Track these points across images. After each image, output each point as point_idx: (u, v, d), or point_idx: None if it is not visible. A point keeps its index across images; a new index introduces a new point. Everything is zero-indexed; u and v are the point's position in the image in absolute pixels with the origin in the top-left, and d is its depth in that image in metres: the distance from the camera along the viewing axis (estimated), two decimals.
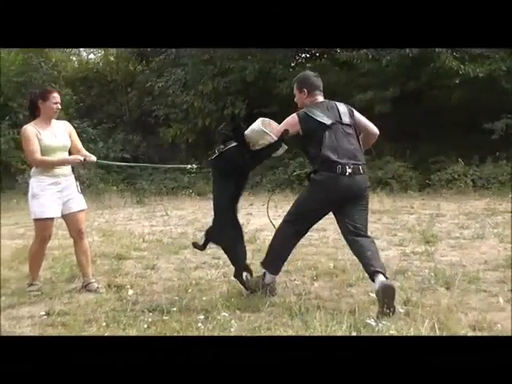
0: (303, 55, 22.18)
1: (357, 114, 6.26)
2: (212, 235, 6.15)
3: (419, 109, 18.19)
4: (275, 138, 5.92)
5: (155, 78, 22.94)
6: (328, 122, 5.93)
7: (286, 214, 6.14)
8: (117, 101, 25.37)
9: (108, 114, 24.89)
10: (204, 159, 18.51)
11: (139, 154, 22.65)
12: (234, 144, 5.98)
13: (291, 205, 6.18)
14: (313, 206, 5.97)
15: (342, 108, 6.17)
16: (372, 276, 5.50)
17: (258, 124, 5.97)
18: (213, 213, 6.25)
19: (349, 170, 5.83)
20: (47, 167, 6.18)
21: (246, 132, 5.99)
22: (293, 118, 6.03)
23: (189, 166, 7.43)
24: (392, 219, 11.38)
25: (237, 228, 6.05)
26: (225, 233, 6.01)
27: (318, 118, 5.90)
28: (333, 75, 19.02)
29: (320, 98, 6.18)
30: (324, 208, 6.03)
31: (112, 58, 26.32)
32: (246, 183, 6.30)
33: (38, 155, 6.06)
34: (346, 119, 6.08)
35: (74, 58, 28.00)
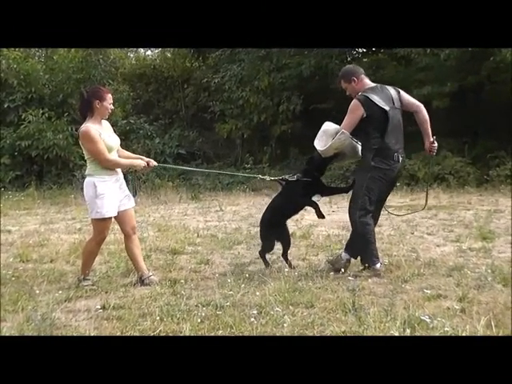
0: (360, 50, 21.97)
1: (403, 93, 6.75)
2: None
3: (478, 104, 17.89)
4: (346, 133, 6.43)
5: (211, 74, 23.06)
6: (386, 107, 6.41)
7: (356, 207, 6.58)
8: (173, 97, 25.52)
9: (164, 109, 25.09)
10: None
11: (195, 149, 22.79)
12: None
13: (353, 199, 6.67)
14: (381, 190, 6.61)
15: (393, 92, 6.67)
16: None
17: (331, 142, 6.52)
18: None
19: (400, 158, 6.55)
20: (113, 167, 6.29)
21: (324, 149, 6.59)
22: (355, 103, 6.50)
23: (261, 176, 7.97)
24: (448, 215, 11.25)
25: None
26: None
27: (378, 103, 6.39)
28: (390, 70, 18.88)
29: (369, 82, 6.75)
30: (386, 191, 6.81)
31: (169, 55, 26.45)
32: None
33: (108, 155, 6.15)
34: (397, 104, 6.60)
35: (132, 55, 28.25)
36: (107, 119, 6.48)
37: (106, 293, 6.01)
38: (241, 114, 21.79)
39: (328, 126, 6.76)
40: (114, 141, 6.39)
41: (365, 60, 21.38)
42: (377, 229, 9.08)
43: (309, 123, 19.55)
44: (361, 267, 6.65)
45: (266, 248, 7.06)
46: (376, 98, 6.40)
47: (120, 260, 7.41)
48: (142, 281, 6.40)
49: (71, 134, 19.78)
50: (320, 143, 6.63)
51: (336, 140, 6.41)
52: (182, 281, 6.38)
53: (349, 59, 22.18)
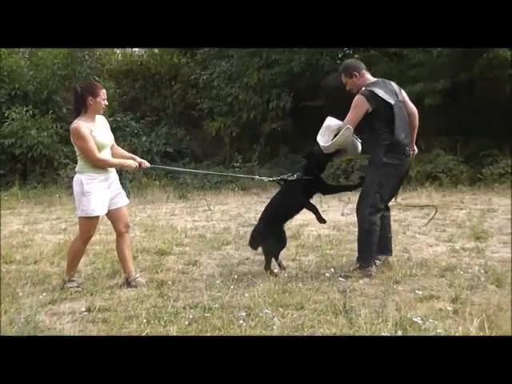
0: None
1: (403, 91, 6.82)
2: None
3: (471, 101, 17.89)
4: (351, 128, 6.39)
5: (200, 70, 22.94)
6: (392, 101, 6.42)
7: (367, 204, 6.56)
8: (161, 94, 25.41)
9: (152, 107, 24.97)
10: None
11: (183, 147, 22.69)
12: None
13: (363, 195, 6.65)
14: (394, 186, 6.69)
15: (395, 86, 6.74)
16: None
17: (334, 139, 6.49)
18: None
19: (411, 151, 6.65)
20: (103, 166, 6.27)
21: (326, 146, 6.53)
22: (360, 99, 6.49)
23: (258, 177, 7.85)
24: (441, 214, 11.18)
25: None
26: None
27: (383, 97, 6.37)
28: (382, 66, 18.81)
29: (371, 77, 6.74)
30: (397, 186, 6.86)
31: (156, 51, 26.28)
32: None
33: (98, 153, 6.12)
34: (400, 96, 6.64)
35: (118, 51, 28.08)
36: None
37: (92, 295, 6.00)
38: (230, 112, 21.70)
39: (330, 122, 6.70)
40: (107, 138, 6.37)
41: (356, 56, 21.31)
42: None
43: (299, 121, 19.56)
44: (352, 267, 6.65)
45: (270, 251, 6.89)
46: (381, 92, 6.39)
47: (106, 261, 7.40)
48: (128, 282, 6.39)
49: (56, 131, 19.72)
50: (323, 138, 6.58)
51: (340, 136, 6.37)
52: (170, 282, 6.37)
53: (340, 56, 22.15)
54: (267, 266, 6.77)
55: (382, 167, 6.47)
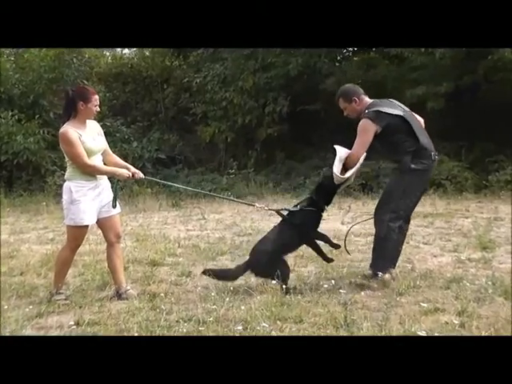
0: (350, 48, 21.94)
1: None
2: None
3: (475, 104, 17.89)
4: (364, 153, 6.48)
5: (193, 73, 22.92)
6: (400, 113, 6.49)
7: (387, 209, 6.60)
8: (152, 98, 25.36)
9: (143, 111, 24.91)
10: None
11: (175, 154, 22.63)
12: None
13: (385, 201, 6.72)
14: (418, 194, 6.71)
15: (396, 101, 6.78)
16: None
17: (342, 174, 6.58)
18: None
19: (436, 157, 6.64)
20: (92, 173, 6.22)
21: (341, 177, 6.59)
22: (366, 122, 6.50)
23: (258, 205, 7.85)
24: (446, 223, 11.23)
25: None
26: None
27: (391, 112, 6.46)
28: (382, 69, 18.87)
29: (369, 99, 6.81)
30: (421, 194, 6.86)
31: (147, 53, 26.27)
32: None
33: (87, 159, 6.07)
34: (406, 108, 6.67)
35: (108, 53, 28.05)
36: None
37: (80, 308, 5.97)
38: (224, 116, 21.65)
39: (341, 152, 6.65)
40: (98, 144, 6.32)
41: (355, 59, 21.40)
42: (369, 238, 9.10)
43: (296, 126, 19.52)
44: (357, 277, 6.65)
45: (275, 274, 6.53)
46: (386, 109, 6.45)
47: (95, 272, 7.36)
48: (118, 295, 6.35)
49: (43, 137, 19.59)
50: (337, 169, 6.58)
51: (358, 164, 6.46)
52: (162, 294, 6.34)
53: (338, 58, 22.20)
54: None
55: (408, 173, 6.51)
